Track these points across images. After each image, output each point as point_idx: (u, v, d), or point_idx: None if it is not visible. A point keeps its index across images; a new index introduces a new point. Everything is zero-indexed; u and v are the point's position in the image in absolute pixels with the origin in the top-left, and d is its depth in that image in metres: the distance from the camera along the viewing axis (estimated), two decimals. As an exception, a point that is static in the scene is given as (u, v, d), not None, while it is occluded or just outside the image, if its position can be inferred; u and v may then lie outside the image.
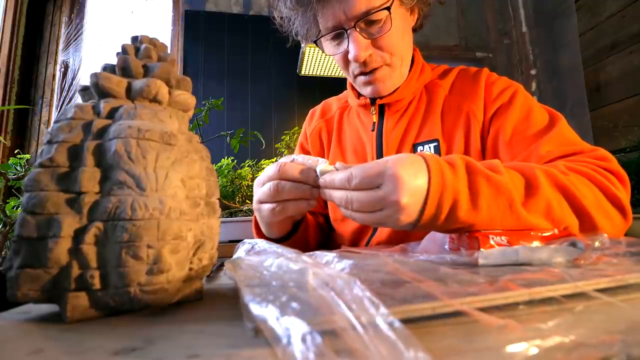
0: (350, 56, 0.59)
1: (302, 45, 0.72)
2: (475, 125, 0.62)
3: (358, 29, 0.57)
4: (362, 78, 0.64)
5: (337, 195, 0.40)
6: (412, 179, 0.37)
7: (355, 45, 0.57)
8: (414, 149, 0.65)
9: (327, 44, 0.64)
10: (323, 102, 0.85)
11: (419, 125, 0.66)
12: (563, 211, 0.42)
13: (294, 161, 0.46)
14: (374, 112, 0.69)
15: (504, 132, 0.59)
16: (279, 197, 0.45)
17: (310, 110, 0.86)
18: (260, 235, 0.60)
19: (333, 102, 0.83)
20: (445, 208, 0.37)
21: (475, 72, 0.68)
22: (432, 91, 0.68)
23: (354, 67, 0.63)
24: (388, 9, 0.56)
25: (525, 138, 0.56)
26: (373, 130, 0.69)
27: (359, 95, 0.72)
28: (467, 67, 0.72)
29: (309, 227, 0.67)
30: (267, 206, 0.47)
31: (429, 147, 0.63)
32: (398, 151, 0.66)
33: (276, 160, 1.32)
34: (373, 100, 0.69)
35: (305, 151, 0.82)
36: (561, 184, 0.43)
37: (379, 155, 0.67)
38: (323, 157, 0.77)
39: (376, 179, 0.37)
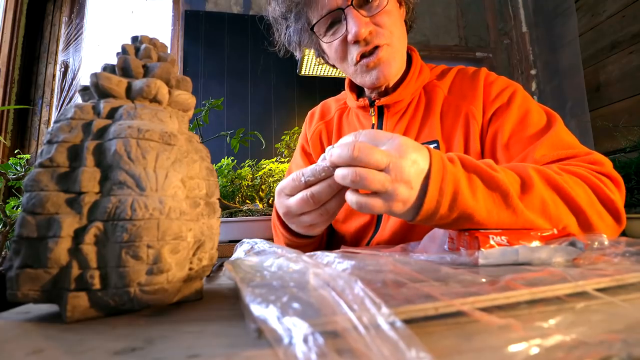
0: (350, 35, 0.57)
1: (297, 53, 0.71)
2: (474, 126, 0.62)
3: (355, 7, 0.57)
4: (364, 61, 0.61)
5: (345, 151, 0.37)
6: (415, 150, 0.37)
7: (356, 21, 0.57)
8: None
9: (324, 34, 0.63)
10: (321, 103, 0.85)
11: (418, 126, 0.66)
12: (559, 209, 0.42)
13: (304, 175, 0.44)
14: (372, 114, 0.69)
15: (502, 134, 0.59)
16: (319, 202, 0.42)
17: (309, 112, 0.85)
18: (282, 236, 0.59)
19: (332, 104, 0.82)
20: (448, 192, 0.37)
21: (474, 72, 0.68)
22: (430, 92, 0.68)
23: (354, 50, 0.61)
24: None
25: (522, 140, 0.56)
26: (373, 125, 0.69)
27: (358, 96, 0.71)
28: (465, 66, 0.72)
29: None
30: (308, 217, 0.45)
31: None
32: None
33: (276, 160, 1.32)
34: (372, 102, 0.68)
35: (306, 153, 0.81)
36: (555, 183, 0.43)
37: None
38: None
39: (382, 138, 0.38)
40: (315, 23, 0.61)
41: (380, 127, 0.69)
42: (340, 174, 0.37)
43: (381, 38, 0.59)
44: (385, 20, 0.59)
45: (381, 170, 0.36)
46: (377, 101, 0.67)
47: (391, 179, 0.36)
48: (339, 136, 0.76)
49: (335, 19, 0.60)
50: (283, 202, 0.46)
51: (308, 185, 0.42)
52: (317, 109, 0.84)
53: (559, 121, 0.57)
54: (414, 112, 0.67)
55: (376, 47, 0.60)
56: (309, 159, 0.80)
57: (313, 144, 0.79)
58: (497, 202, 0.39)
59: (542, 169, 0.44)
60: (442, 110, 0.65)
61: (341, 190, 0.42)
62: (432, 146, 0.62)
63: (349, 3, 0.56)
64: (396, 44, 0.62)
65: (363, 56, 0.61)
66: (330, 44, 0.63)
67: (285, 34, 0.65)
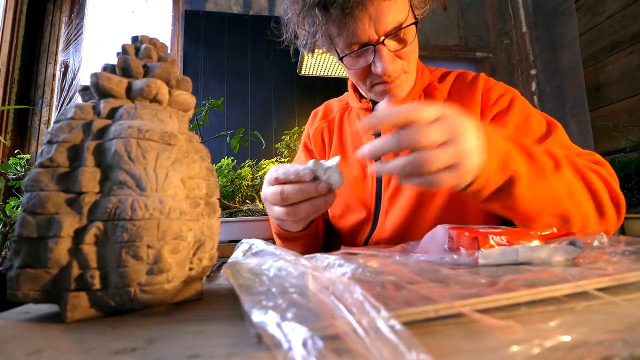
0: (379, 70, 0.58)
1: (305, 52, 0.69)
2: None
3: (386, 44, 0.57)
4: (380, 87, 0.63)
5: (389, 138, 0.35)
6: (467, 119, 0.37)
7: (386, 60, 0.57)
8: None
9: (347, 58, 0.62)
10: (325, 103, 0.86)
11: None
12: (582, 192, 0.45)
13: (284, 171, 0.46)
14: None
15: None
16: (287, 202, 0.46)
17: (313, 111, 0.87)
18: (277, 227, 0.61)
19: (334, 104, 0.84)
20: (498, 156, 0.37)
21: (473, 78, 0.69)
22: (430, 95, 0.69)
23: (375, 79, 0.62)
24: (416, 24, 0.57)
25: None
26: (373, 134, 0.69)
27: (360, 98, 0.72)
28: (465, 71, 0.73)
29: (318, 219, 0.69)
30: (278, 209, 0.48)
31: None
32: (396, 153, 0.66)
33: (276, 160, 1.32)
34: (375, 104, 0.70)
35: (308, 150, 0.83)
36: (579, 170, 0.46)
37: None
38: (324, 156, 0.78)
39: (428, 113, 0.35)
40: (346, 55, 0.59)
41: None
42: (396, 165, 0.35)
43: (399, 69, 0.61)
44: (407, 52, 0.60)
45: (441, 145, 0.34)
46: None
47: (456, 151, 0.34)
48: (340, 134, 0.77)
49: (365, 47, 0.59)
50: (264, 190, 0.50)
51: (279, 181, 0.45)
52: (320, 109, 0.85)
53: (560, 127, 0.58)
54: None
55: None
56: (311, 155, 0.82)
57: (315, 141, 0.81)
58: (538, 173, 0.40)
59: (567, 153, 0.47)
60: None
61: (314, 197, 0.44)
62: None
63: (381, 41, 0.56)
64: (412, 68, 0.63)
65: (381, 82, 0.62)
66: (350, 65, 0.62)
67: (305, 36, 0.63)
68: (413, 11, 0.57)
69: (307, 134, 0.85)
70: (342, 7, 0.52)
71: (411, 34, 0.58)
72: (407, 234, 0.62)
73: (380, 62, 0.57)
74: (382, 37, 0.56)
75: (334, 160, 0.45)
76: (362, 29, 0.55)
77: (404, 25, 0.56)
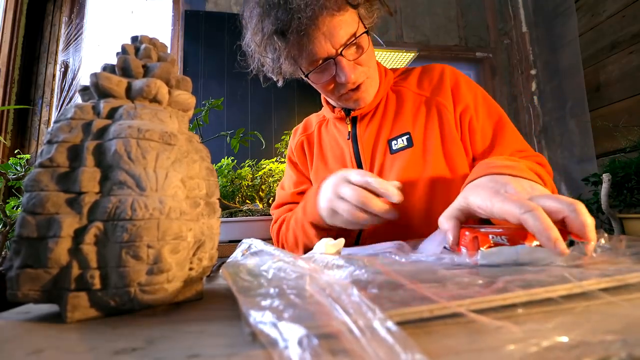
0: (343, 80, 0.63)
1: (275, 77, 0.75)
2: (446, 115, 0.69)
3: (344, 55, 0.61)
4: (348, 95, 0.68)
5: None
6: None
7: (348, 69, 0.62)
8: (388, 144, 0.71)
9: (312, 75, 0.67)
10: (305, 119, 0.93)
11: (389, 123, 0.73)
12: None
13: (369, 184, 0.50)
14: (348, 123, 0.76)
15: (473, 131, 0.68)
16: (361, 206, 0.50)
17: (294, 128, 0.94)
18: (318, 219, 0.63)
19: (313, 119, 0.90)
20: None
21: (439, 70, 0.74)
22: (398, 91, 0.75)
23: (341, 88, 0.66)
24: (368, 32, 0.62)
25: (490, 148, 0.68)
26: (349, 139, 0.76)
27: (333, 109, 0.78)
28: (428, 64, 0.78)
29: None
30: (357, 213, 0.51)
31: (402, 140, 0.70)
32: (373, 150, 0.73)
33: (276, 160, 1.33)
34: (347, 112, 0.75)
35: (293, 163, 0.89)
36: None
37: (357, 157, 0.74)
38: (306, 166, 0.85)
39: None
40: (311, 72, 0.65)
41: (354, 132, 0.75)
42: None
43: (363, 76, 0.66)
44: (366, 58, 0.65)
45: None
46: (352, 112, 0.74)
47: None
48: (320, 146, 0.84)
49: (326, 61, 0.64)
50: (337, 188, 0.54)
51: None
52: (300, 125, 0.93)
53: (517, 133, 0.69)
54: (384, 112, 0.74)
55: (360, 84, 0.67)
56: (296, 167, 0.89)
57: (297, 153, 0.88)
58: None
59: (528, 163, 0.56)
60: (412, 105, 0.72)
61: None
62: (405, 137, 0.71)
63: (339, 52, 0.61)
64: (373, 73, 0.69)
65: (348, 90, 0.67)
66: (316, 80, 0.67)
67: (270, 62, 0.68)
68: (362, 22, 0.63)
69: (290, 148, 0.92)
70: (297, 31, 0.58)
71: (365, 41, 0.63)
72: (395, 225, 0.65)
73: (343, 72, 0.63)
74: (340, 49, 0.61)
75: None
76: (320, 46, 0.60)
77: (357, 36, 0.61)
